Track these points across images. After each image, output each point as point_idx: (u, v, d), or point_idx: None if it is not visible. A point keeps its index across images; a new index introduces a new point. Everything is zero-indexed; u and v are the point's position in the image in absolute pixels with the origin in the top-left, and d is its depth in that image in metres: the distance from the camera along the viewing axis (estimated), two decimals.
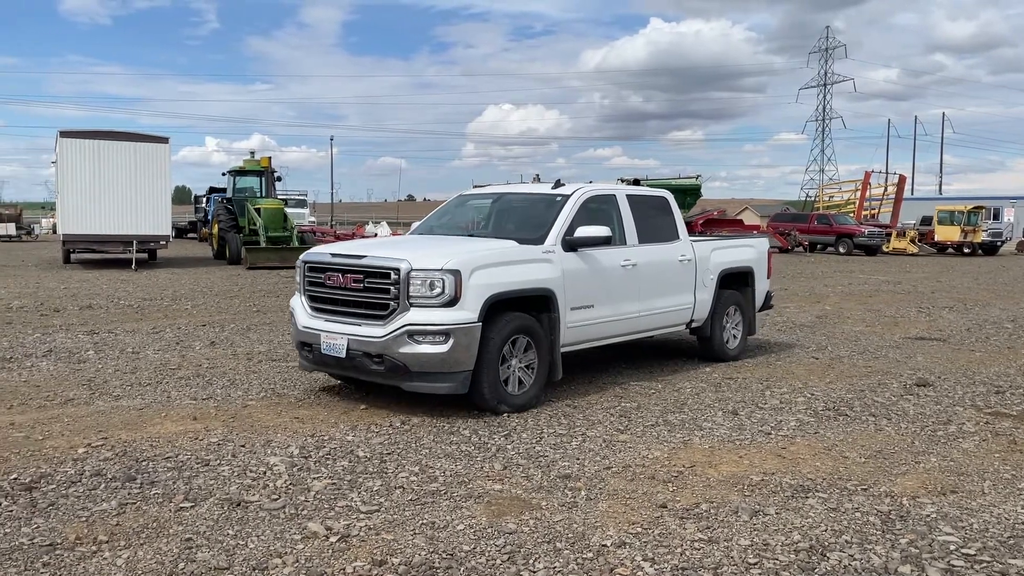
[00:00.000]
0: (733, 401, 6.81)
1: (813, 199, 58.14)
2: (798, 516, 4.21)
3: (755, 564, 3.62)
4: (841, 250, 33.81)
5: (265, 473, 4.73)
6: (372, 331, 6.02)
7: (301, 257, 6.82)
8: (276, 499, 4.32)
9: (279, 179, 28.20)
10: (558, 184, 7.69)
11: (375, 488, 4.52)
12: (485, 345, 6.02)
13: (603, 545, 3.79)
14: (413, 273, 5.92)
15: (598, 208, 7.48)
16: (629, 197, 7.83)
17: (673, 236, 8.19)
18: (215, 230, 26.04)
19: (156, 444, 5.27)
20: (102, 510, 4.12)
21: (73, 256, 22.88)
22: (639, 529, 4.00)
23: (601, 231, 6.86)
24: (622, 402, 6.73)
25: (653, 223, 8.01)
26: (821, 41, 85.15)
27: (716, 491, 4.58)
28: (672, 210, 8.35)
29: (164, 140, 22.21)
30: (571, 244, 6.81)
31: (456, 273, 5.89)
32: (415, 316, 5.90)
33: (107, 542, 3.72)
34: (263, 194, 26.43)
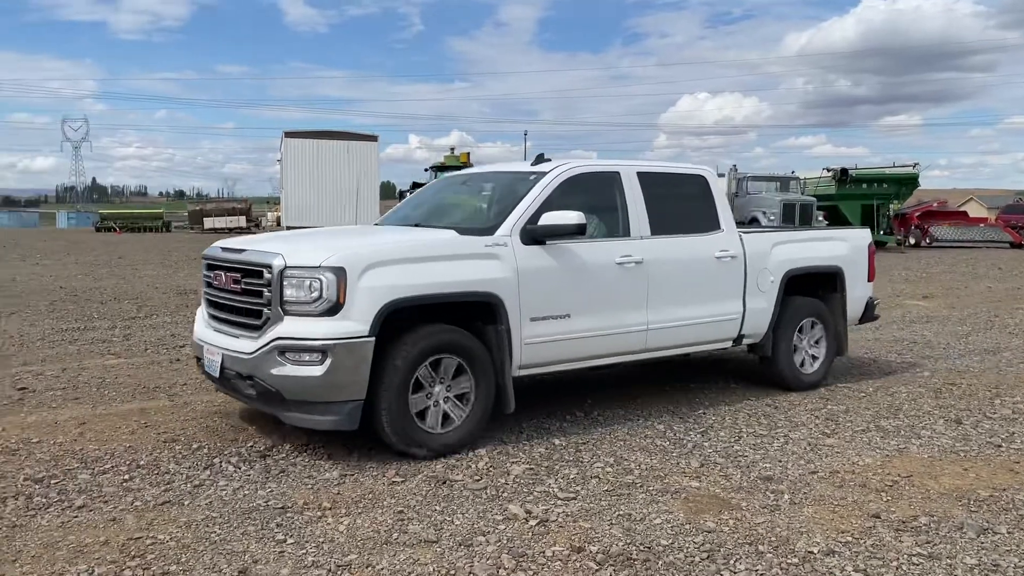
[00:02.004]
0: (956, 409, 6.25)
1: None
2: None
3: None
4: None
5: (468, 454, 4.94)
6: (245, 345, 4.80)
7: (203, 252, 5.65)
8: (478, 480, 4.51)
9: None
10: (539, 159, 6.11)
11: (571, 476, 4.60)
12: (385, 367, 4.68)
13: (809, 552, 3.63)
14: (287, 272, 4.64)
15: (590, 190, 5.90)
16: (642, 176, 6.05)
17: (710, 226, 6.37)
18: None
19: None
20: (325, 479, 4.50)
21: None
22: (849, 538, 3.79)
23: (568, 218, 5.20)
24: (828, 404, 6.37)
25: (678, 210, 6.29)
26: None
27: (937, 504, 4.24)
28: (712, 193, 6.48)
29: (374, 139, 23.79)
30: (533, 235, 5.27)
31: (338, 271, 4.55)
32: (288, 327, 4.60)
33: (330, 509, 4.06)
34: None
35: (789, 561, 3.54)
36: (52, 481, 4.36)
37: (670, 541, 3.74)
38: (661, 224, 6.01)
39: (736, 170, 28.02)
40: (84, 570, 3.32)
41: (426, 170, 30.36)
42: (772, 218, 25.25)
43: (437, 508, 4.09)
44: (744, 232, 6.61)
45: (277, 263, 4.68)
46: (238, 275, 4.99)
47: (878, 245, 29.27)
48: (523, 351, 5.23)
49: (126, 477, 4.45)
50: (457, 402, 5.02)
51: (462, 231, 5.31)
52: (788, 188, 27.66)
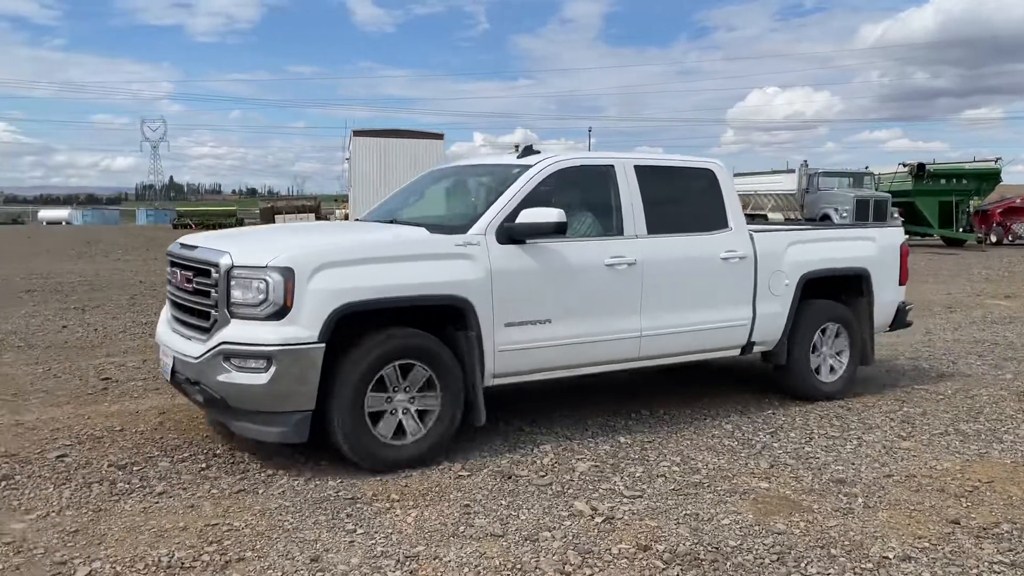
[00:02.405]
0: None
1: None
2: None
3: None
4: None
5: (533, 451, 4.96)
6: (194, 349, 4.54)
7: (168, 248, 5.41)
8: (543, 476, 4.52)
9: None
10: (527, 152, 5.74)
11: (637, 474, 4.57)
12: (336, 377, 4.38)
13: (884, 557, 3.53)
14: (234, 271, 4.37)
15: (581, 185, 5.57)
16: (640, 170, 5.59)
17: (716, 224, 5.88)
18: None
19: None
20: (393, 472, 4.56)
21: None
22: (926, 544, 3.67)
23: (547, 216, 4.83)
24: (905, 407, 6.18)
25: (681, 206, 5.87)
26: None
27: (1020, 511, 4.07)
28: (720, 188, 5.98)
29: (439, 137, 24.08)
30: (511, 234, 4.91)
31: (286, 272, 4.26)
32: (234, 331, 4.34)
33: (398, 500, 4.13)
34: None
35: (863, 566, 3.45)
36: (134, 468, 4.54)
37: (739, 542, 3.68)
38: (660, 222, 5.56)
39: (807, 166, 27.38)
40: (164, 554, 3.45)
41: None
42: (844, 215, 24.62)
43: (503, 503, 4.12)
44: (755, 231, 6.16)
45: (224, 262, 4.41)
46: (191, 274, 4.73)
47: (957, 243, 28.48)
48: (497, 359, 4.87)
49: (203, 465, 4.60)
50: (422, 412, 4.68)
51: (434, 229, 4.99)
52: (862, 184, 26.91)
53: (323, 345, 4.28)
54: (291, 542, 3.61)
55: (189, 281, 4.72)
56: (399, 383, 4.60)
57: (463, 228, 4.90)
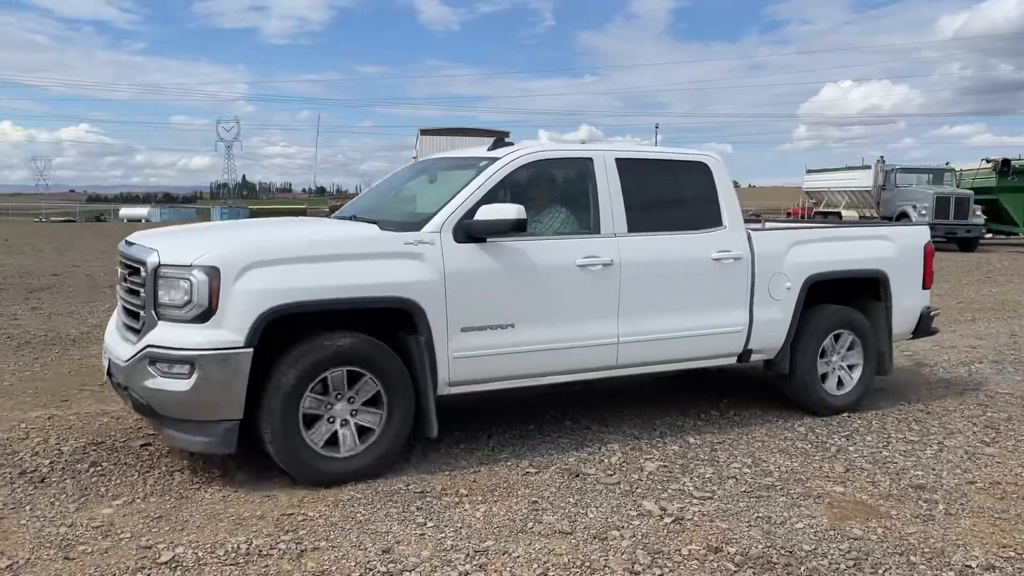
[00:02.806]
0: None
1: None
2: None
3: None
4: None
5: (600, 449, 4.94)
6: (125, 351, 4.29)
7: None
8: (611, 475, 4.50)
9: None
10: (498, 143, 5.35)
11: (707, 475, 4.52)
12: (268, 385, 4.12)
13: (967, 566, 3.41)
14: (161, 270, 4.12)
15: (554, 179, 5.26)
16: (622, 163, 5.18)
17: (709, 222, 5.43)
18: None
19: (510, 412, 5.78)
20: (462, 467, 4.61)
21: None
22: (1012, 554, 3.53)
23: (504, 213, 4.51)
24: (988, 411, 5.95)
25: (669, 203, 5.48)
26: None
27: None
28: (714, 183, 5.52)
29: (505, 135, 24.13)
30: (470, 231, 4.59)
31: (211, 272, 4.00)
32: (159, 334, 4.08)
33: (467, 495, 4.17)
34: None
35: (944, 574, 3.34)
36: (214, 458, 4.69)
37: (813, 547, 3.61)
38: (644, 219, 5.16)
39: (883, 161, 26.54)
40: (243, 541, 3.56)
41: None
42: (923, 213, 23.78)
43: (570, 500, 4.12)
44: (754, 230, 5.70)
45: (151, 260, 4.16)
46: (127, 272, 4.51)
47: None
48: (452, 366, 4.55)
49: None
50: (366, 421, 4.39)
51: (387, 226, 4.66)
52: (942, 180, 25.94)
53: (250, 350, 3.99)
54: (363, 533, 3.68)
55: (125, 280, 4.51)
56: (343, 391, 4.31)
57: (418, 225, 4.59)
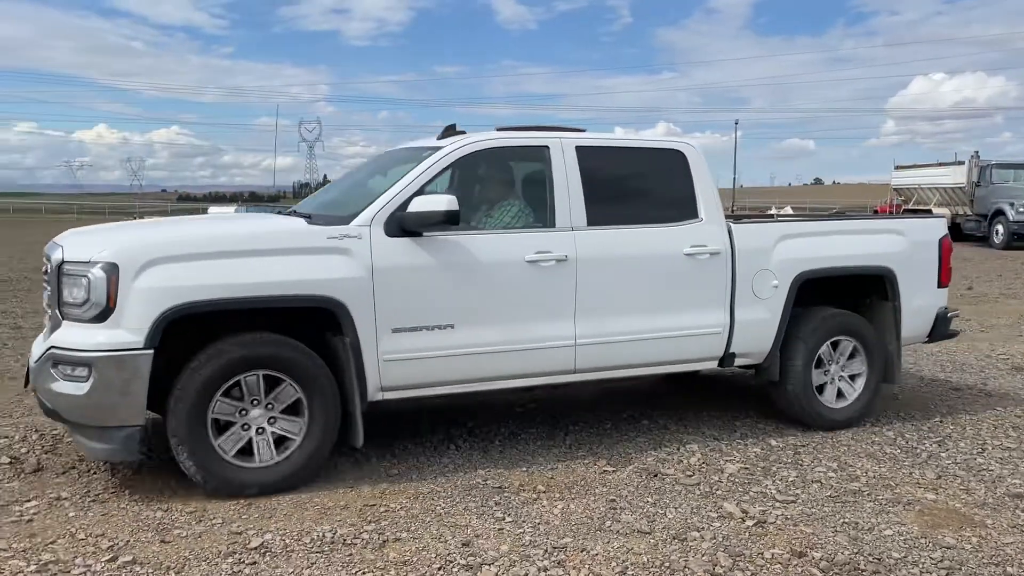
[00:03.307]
0: None
1: None
2: None
3: None
4: None
5: (679, 450, 4.89)
6: (37, 351, 4.10)
7: None
8: (691, 476, 4.45)
9: None
10: (448, 132, 4.98)
11: (790, 479, 4.42)
12: (174, 389, 3.91)
13: None
14: (64, 267, 3.92)
15: (506, 170, 4.97)
16: (583, 152, 4.81)
17: (683, 214, 5.01)
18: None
19: (591, 410, 5.77)
20: (539, 463, 4.63)
21: None
22: None
23: (435, 204, 4.22)
24: None
25: (637, 194, 5.09)
26: None
27: None
28: (691, 173, 5.09)
29: (581, 132, 24.02)
30: (403, 225, 4.30)
31: (109, 268, 3.77)
32: (62, 334, 3.89)
33: (545, 492, 4.19)
34: None
35: None
36: None
37: (903, 554, 3.49)
38: (607, 212, 4.79)
39: (978, 157, 25.36)
40: (328, 530, 3.66)
41: None
42: (1021, 210, 22.64)
43: (649, 500, 4.09)
44: (736, 223, 5.24)
45: (56, 256, 3.99)
46: (44, 270, 4.28)
47: None
48: (383, 370, 4.27)
49: (363, 449, 4.82)
50: (285, 430, 4.14)
51: (319, 220, 4.43)
52: None
53: (150, 352, 3.77)
54: (443, 526, 3.74)
55: (45, 277, 4.27)
56: (259, 397, 4.07)
57: (346, 219, 4.31)
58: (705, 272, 4.98)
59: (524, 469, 4.54)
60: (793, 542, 3.61)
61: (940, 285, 5.70)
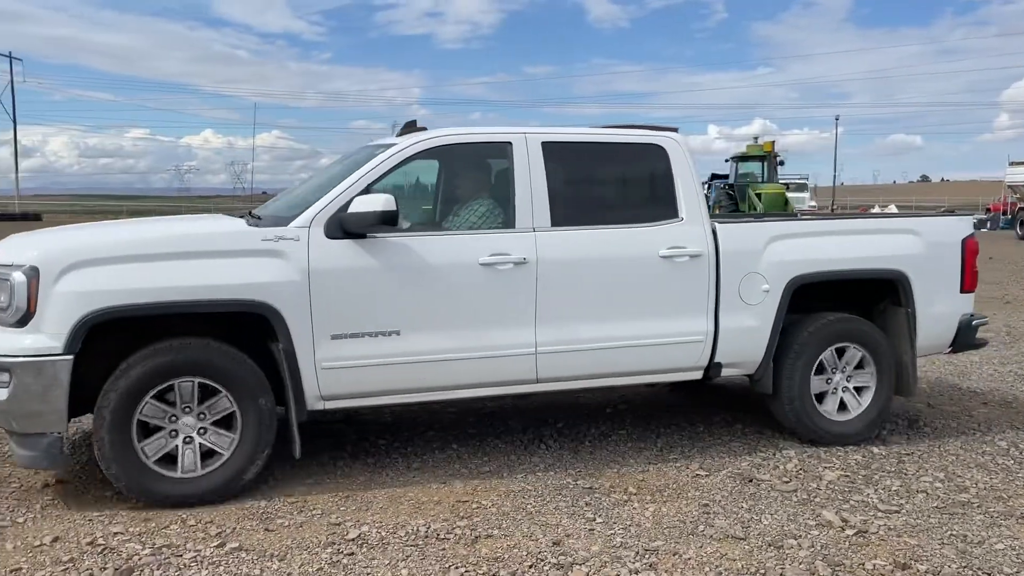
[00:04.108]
0: None
1: None
2: None
3: None
4: None
5: (775, 455, 4.77)
6: None
7: None
8: (787, 482, 4.34)
9: (782, 163, 27.97)
10: (408, 128, 4.81)
11: (894, 488, 4.26)
12: (102, 398, 3.80)
13: None
14: None
15: (464, 168, 4.76)
16: (550, 148, 4.54)
17: (661, 214, 4.69)
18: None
19: (673, 411, 5.71)
20: (630, 465, 4.61)
21: None
22: None
23: (372, 204, 4.04)
24: None
25: (609, 192, 4.89)
26: None
27: None
28: (671, 170, 4.75)
29: (673, 131, 23.69)
30: (344, 226, 4.11)
31: (31, 272, 3.70)
32: None
33: (636, 494, 4.16)
34: (764, 179, 26.51)
35: None
36: (394, 444, 4.96)
37: (1015, 569, 3.32)
38: (573, 211, 4.53)
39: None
40: (422, 524, 3.74)
41: (726, 160, 29.62)
42: None
43: (743, 505, 4.02)
44: (721, 223, 4.87)
45: None
46: None
47: None
48: (322, 378, 4.09)
49: (454, 446, 4.92)
50: (215, 442, 3.99)
51: (262, 221, 4.29)
52: None
53: (70, 358, 3.67)
54: (534, 524, 3.77)
55: None
56: (186, 406, 3.93)
57: (285, 220, 4.17)
58: (684, 276, 4.65)
59: (615, 470, 4.52)
60: (896, 553, 3.47)
61: (963, 290, 5.18)
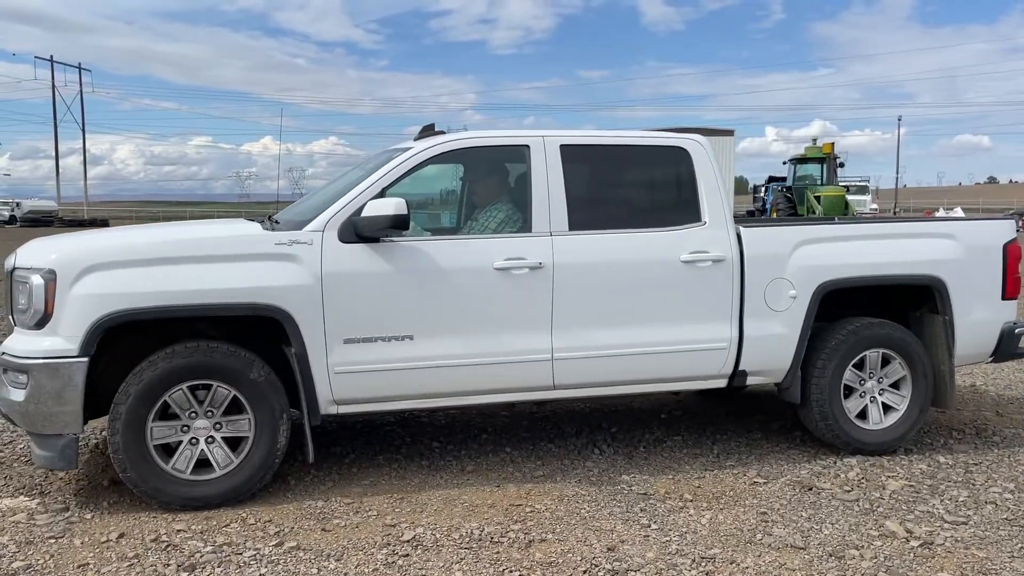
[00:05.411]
0: None
1: None
2: None
3: None
4: None
5: (836, 463, 4.66)
6: None
7: None
8: (849, 491, 4.24)
9: (841, 165, 27.45)
10: (426, 132, 4.82)
11: (961, 499, 4.12)
12: (119, 400, 3.82)
13: None
14: (16, 273, 3.93)
15: (482, 172, 4.74)
16: (568, 151, 4.48)
17: (683, 218, 4.60)
18: (773, 218, 26.52)
19: (732, 419, 5.62)
20: (686, 471, 4.55)
21: None
22: None
23: (382, 209, 4.03)
24: None
25: (631, 196, 4.82)
26: None
27: None
28: (694, 173, 4.66)
29: (729, 133, 23.40)
30: (357, 229, 4.10)
31: (49, 274, 3.76)
32: (11, 341, 3.93)
33: (691, 501, 4.11)
34: (824, 181, 26.04)
35: None
36: (448, 447, 4.98)
37: None
38: (592, 215, 4.47)
39: None
40: (476, 527, 3.75)
41: (784, 163, 29.14)
42: None
43: (803, 514, 3.93)
44: (746, 227, 4.74)
45: (8, 263, 4.02)
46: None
47: None
48: (335, 382, 4.09)
49: (507, 449, 4.92)
50: (229, 443, 4.01)
51: (278, 225, 4.34)
52: None
53: (85, 360, 3.74)
54: (588, 529, 3.75)
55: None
56: (198, 409, 3.97)
57: (300, 224, 4.18)
58: (707, 281, 4.55)
59: (670, 476, 4.47)
60: (964, 567, 3.36)
61: (1006, 297, 4.97)
